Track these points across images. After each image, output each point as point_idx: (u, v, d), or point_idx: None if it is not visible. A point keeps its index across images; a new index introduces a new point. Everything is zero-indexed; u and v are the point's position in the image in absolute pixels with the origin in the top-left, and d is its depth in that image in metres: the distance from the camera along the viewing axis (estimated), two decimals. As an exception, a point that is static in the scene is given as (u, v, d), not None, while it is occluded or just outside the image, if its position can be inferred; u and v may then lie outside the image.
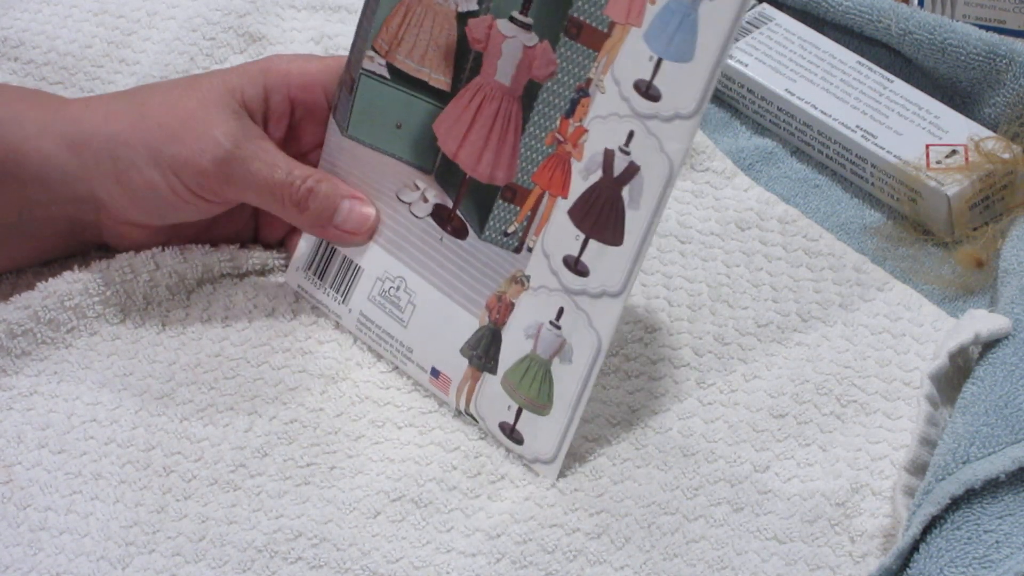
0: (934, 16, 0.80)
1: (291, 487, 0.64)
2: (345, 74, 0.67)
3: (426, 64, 0.65)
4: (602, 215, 0.60)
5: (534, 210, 0.63)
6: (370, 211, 0.68)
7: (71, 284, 0.68)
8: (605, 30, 0.59)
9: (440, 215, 0.66)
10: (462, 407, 0.66)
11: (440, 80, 0.65)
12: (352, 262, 0.69)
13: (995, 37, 0.78)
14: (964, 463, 0.59)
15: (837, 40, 0.82)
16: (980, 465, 0.59)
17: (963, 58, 0.78)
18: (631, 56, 0.59)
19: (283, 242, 0.72)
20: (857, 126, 0.77)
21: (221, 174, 0.66)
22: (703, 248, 0.74)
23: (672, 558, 0.61)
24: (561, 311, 0.62)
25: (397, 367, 0.68)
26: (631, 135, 0.59)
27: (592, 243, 0.61)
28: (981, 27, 0.80)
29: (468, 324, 0.65)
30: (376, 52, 0.66)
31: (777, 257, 0.73)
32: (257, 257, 0.71)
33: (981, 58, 0.77)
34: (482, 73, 0.63)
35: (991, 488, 0.59)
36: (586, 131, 0.60)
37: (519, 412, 0.64)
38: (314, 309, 0.70)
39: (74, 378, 0.67)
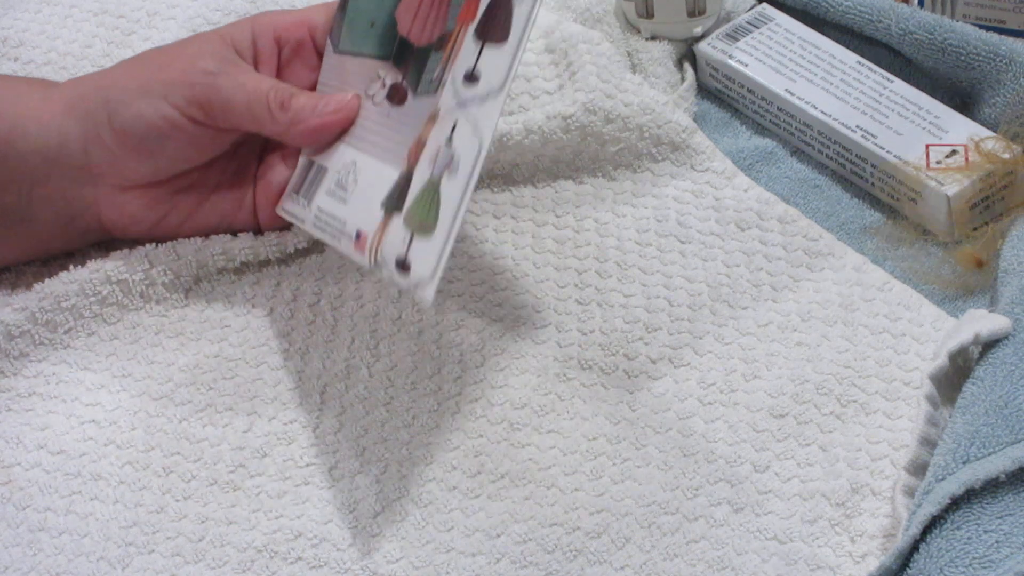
0: (934, 16, 0.79)
1: (291, 487, 0.64)
2: None
3: None
4: (494, 17, 0.63)
5: (453, 48, 0.65)
6: (347, 96, 0.69)
7: (67, 285, 0.68)
8: None
9: (391, 93, 0.68)
10: (372, 261, 0.65)
11: None
12: (320, 166, 0.69)
13: (995, 37, 0.78)
14: (964, 463, 0.59)
15: (837, 40, 0.82)
16: (980, 465, 0.59)
17: (963, 58, 0.78)
18: None
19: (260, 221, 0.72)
20: (857, 126, 0.77)
21: (210, 85, 0.67)
22: (703, 248, 0.74)
23: (672, 558, 0.61)
24: (454, 127, 0.63)
25: (340, 252, 0.68)
26: None
27: (485, 50, 0.64)
28: (981, 27, 0.80)
29: (393, 177, 0.66)
30: None
31: (777, 257, 0.73)
32: (250, 247, 0.71)
33: (981, 58, 0.77)
34: None
35: (991, 488, 0.59)
36: None
37: (411, 240, 0.63)
38: (312, 308, 0.70)
39: (72, 379, 0.67)
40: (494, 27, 0.64)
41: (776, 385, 0.67)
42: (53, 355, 0.68)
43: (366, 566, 0.61)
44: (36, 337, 0.68)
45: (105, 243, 0.71)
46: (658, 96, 0.77)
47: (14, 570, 0.60)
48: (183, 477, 0.64)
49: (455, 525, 0.63)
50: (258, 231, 0.72)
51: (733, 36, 0.82)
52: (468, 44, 0.65)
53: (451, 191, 0.62)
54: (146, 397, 0.67)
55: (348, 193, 0.67)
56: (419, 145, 0.65)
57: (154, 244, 0.70)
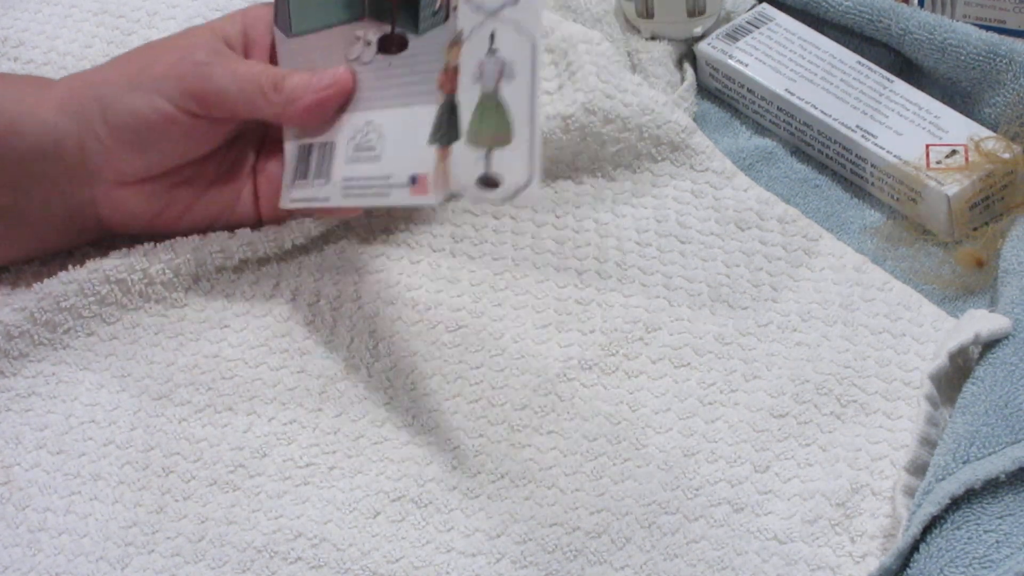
0: (934, 16, 0.79)
1: (290, 487, 0.64)
2: None
3: None
4: None
5: None
6: (339, 68, 0.69)
7: (66, 284, 0.68)
8: None
9: (384, 45, 0.68)
10: (442, 196, 0.64)
11: None
12: (325, 143, 0.69)
13: (995, 37, 0.78)
14: (964, 463, 0.59)
15: (837, 40, 0.82)
16: (980, 465, 0.59)
17: (963, 58, 0.78)
18: None
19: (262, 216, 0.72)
20: (857, 126, 0.77)
21: (202, 75, 0.67)
22: (703, 248, 0.74)
23: (672, 558, 0.61)
24: (492, 36, 0.63)
25: (386, 208, 0.68)
26: None
27: None
28: (981, 27, 0.80)
29: (430, 113, 0.65)
30: None
31: (777, 257, 0.73)
32: (248, 243, 0.71)
33: (981, 58, 0.77)
34: None
35: (991, 488, 0.59)
36: None
37: (488, 155, 0.62)
38: (311, 307, 0.70)
39: (72, 379, 0.67)
40: None
41: (776, 385, 0.67)
42: (52, 355, 0.68)
43: (366, 566, 0.61)
44: (35, 337, 0.68)
45: (103, 242, 0.71)
46: (658, 96, 0.77)
47: (14, 570, 0.60)
48: (183, 477, 0.64)
49: (455, 525, 0.63)
50: (257, 224, 0.72)
51: (733, 36, 0.82)
52: None
53: (515, 93, 0.62)
54: (145, 397, 0.67)
55: (378, 151, 0.67)
56: (450, 72, 0.64)
57: (152, 243, 0.70)
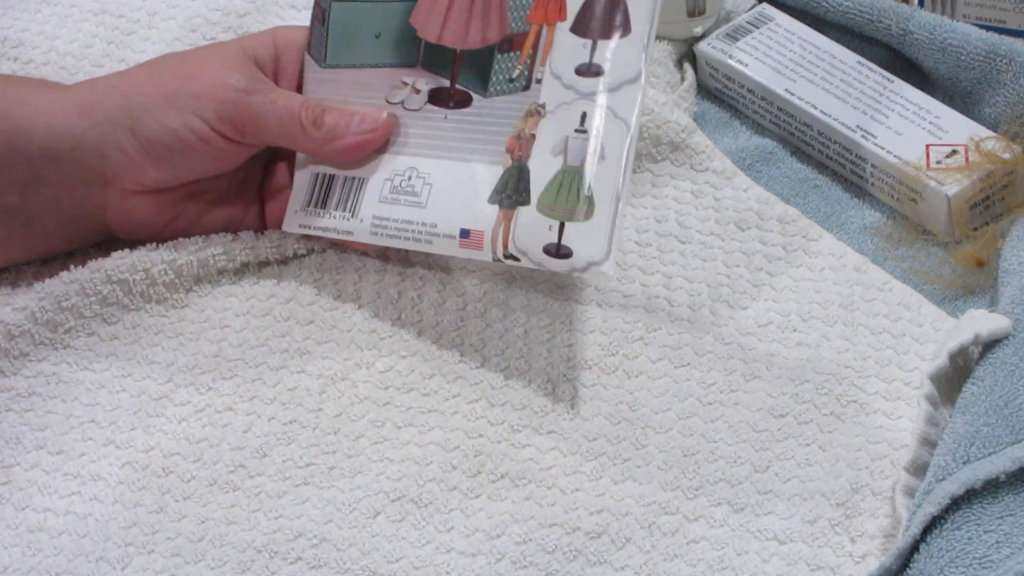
0: (934, 16, 0.79)
1: (290, 487, 0.64)
2: (315, 8, 0.70)
3: None
4: (605, 13, 0.65)
5: (535, 46, 0.66)
6: (380, 113, 0.69)
7: (68, 284, 0.68)
8: None
9: (439, 97, 0.69)
10: (500, 253, 0.66)
11: None
12: (354, 177, 0.69)
13: (995, 37, 0.78)
14: (964, 463, 0.59)
15: (837, 40, 0.82)
16: (980, 465, 0.59)
17: (963, 58, 0.78)
18: None
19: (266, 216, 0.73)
20: (857, 126, 0.77)
21: (242, 102, 0.67)
22: (703, 248, 0.74)
23: (672, 558, 0.61)
24: (584, 116, 0.64)
25: (421, 250, 0.68)
26: None
27: (600, 43, 0.65)
28: (981, 27, 0.80)
29: (491, 173, 0.66)
30: None
31: (777, 257, 0.73)
32: (251, 247, 0.71)
33: (981, 58, 0.77)
34: None
35: (991, 488, 0.59)
36: None
37: (561, 227, 0.64)
38: (311, 308, 0.70)
39: (72, 379, 0.67)
40: (608, 26, 0.66)
41: (776, 385, 0.67)
42: (53, 355, 0.68)
43: (366, 566, 0.61)
44: (36, 337, 0.68)
45: (106, 243, 0.71)
46: (658, 96, 0.77)
47: (13, 570, 0.60)
48: (183, 477, 0.64)
49: (455, 525, 0.63)
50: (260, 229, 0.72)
51: (733, 36, 0.82)
52: (566, 41, 0.66)
53: (604, 175, 0.64)
54: (146, 397, 0.67)
55: (422, 198, 0.67)
56: (523, 139, 0.66)
57: (154, 244, 0.70)
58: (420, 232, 0.68)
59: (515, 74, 0.67)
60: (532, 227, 0.65)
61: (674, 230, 0.74)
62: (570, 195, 0.64)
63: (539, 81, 0.67)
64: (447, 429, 0.66)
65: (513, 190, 0.66)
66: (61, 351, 0.68)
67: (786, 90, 0.79)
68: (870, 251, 0.74)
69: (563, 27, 0.67)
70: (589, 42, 0.66)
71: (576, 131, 0.65)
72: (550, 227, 0.65)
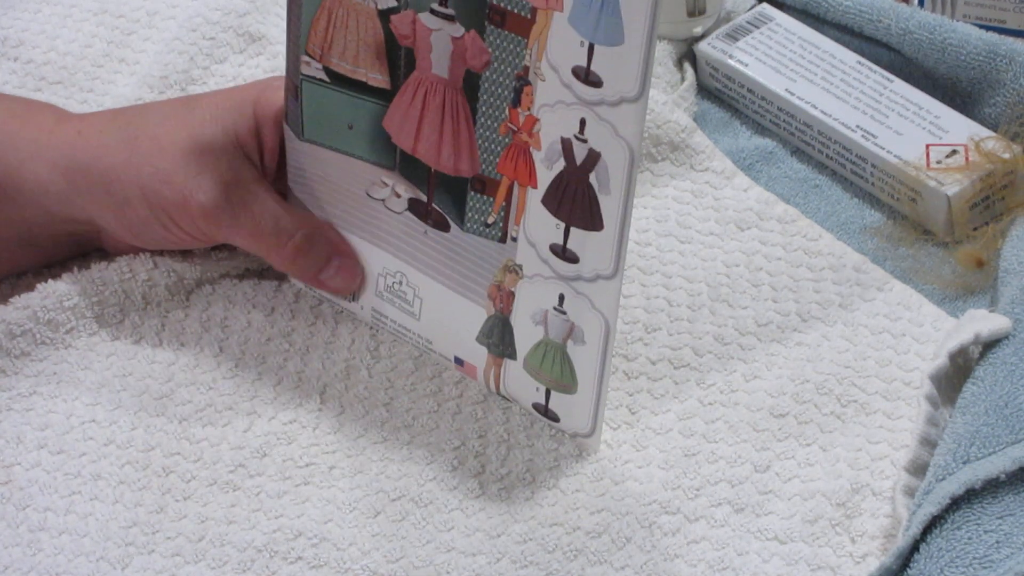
0: (934, 16, 0.79)
1: (291, 487, 0.64)
2: (287, 80, 0.66)
3: (360, 64, 0.64)
4: (576, 202, 0.60)
5: (508, 199, 0.62)
6: (356, 271, 0.68)
7: (70, 285, 0.68)
8: (528, 16, 0.58)
9: (417, 209, 0.65)
10: (493, 390, 0.66)
11: (378, 79, 0.64)
12: None
13: (995, 37, 0.78)
14: (964, 463, 0.59)
15: (837, 40, 0.82)
16: (980, 465, 0.59)
17: (963, 58, 0.78)
18: (562, 42, 0.57)
19: None
20: (857, 126, 0.77)
21: (211, 220, 0.66)
22: (703, 248, 0.74)
23: (673, 558, 0.61)
24: (562, 297, 0.62)
25: (422, 355, 0.68)
26: (583, 123, 0.58)
27: (574, 230, 0.60)
28: (981, 27, 0.80)
29: (476, 314, 0.65)
30: (310, 56, 0.65)
31: (777, 257, 0.73)
32: (256, 255, 0.71)
33: (981, 58, 0.77)
34: (418, 68, 0.62)
35: (991, 488, 0.59)
36: (537, 119, 0.60)
37: (548, 393, 0.64)
38: (312, 309, 0.70)
39: (73, 379, 0.67)
40: (578, 216, 0.60)
41: (776, 385, 0.67)
42: (54, 354, 0.68)
43: (366, 566, 0.61)
44: (37, 336, 0.68)
45: (105, 243, 0.71)
46: (657, 96, 0.77)
47: (14, 570, 0.60)
48: (183, 477, 0.64)
49: (455, 525, 0.63)
50: None
51: (733, 36, 0.82)
52: (539, 213, 0.61)
53: (584, 358, 0.62)
54: (146, 397, 0.67)
55: (414, 308, 0.67)
56: (505, 293, 0.63)
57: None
58: (418, 340, 0.68)
59: (490, 220, 0.63)
60: (520, 382, 0.65)
61: (674, 230, 0.74)
62: (554, 367, 0.63)
63: (515, 239, 0.62)
64: (447, 429, 0.66)
65: (499, 340, 0.64)
66: (62, 351, 0.68)
67: (786, 90, 0.79)
68: (870, 251, 0.74)
69: (535, 196, 0.61)
70: (562, 224, 0.60)
71: (555, 309, 0.62)
72: (536, 388, 0.64)
